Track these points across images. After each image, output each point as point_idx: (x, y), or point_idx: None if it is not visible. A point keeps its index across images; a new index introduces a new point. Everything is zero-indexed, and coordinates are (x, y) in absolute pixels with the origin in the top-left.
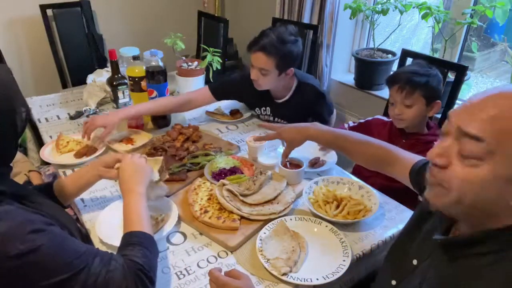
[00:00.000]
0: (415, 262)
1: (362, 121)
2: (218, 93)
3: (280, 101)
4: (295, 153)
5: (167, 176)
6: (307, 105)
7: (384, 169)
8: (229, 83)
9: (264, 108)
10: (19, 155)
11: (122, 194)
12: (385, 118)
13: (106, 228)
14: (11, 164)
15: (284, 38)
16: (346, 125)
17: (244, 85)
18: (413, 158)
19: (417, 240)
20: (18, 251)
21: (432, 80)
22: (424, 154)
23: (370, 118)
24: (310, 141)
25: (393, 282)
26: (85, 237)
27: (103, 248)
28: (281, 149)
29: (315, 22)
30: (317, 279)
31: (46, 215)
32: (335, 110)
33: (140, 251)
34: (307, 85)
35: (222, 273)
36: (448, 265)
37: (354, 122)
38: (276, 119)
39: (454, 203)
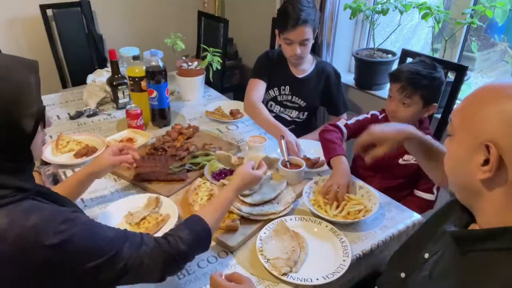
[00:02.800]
0: (426, 255)
1: (360, 118)
2: (261, 75)
3: (301, 76)
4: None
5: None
6: (326, 82)
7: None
8: (259, 63)
9: (283, 87)
10: None
11: (226, 187)
12: (378, 113)
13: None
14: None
15: (308, 3)
16: (341, 125)
17: (270, 61)
18: None
19: (434, 238)
20: (52, 241)
21: (434, 83)
22: None
23: (368, 116)
24: (311, 141)
25: (402, 275)
26: None
27: None
28: None
29: None
30: (317, 279)
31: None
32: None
33: (188, 239)
34: (327, 63)
35: (223, 277)
36: (459, 258)
37: (348, 120)
38: (294, 98)
39: (447, 176)
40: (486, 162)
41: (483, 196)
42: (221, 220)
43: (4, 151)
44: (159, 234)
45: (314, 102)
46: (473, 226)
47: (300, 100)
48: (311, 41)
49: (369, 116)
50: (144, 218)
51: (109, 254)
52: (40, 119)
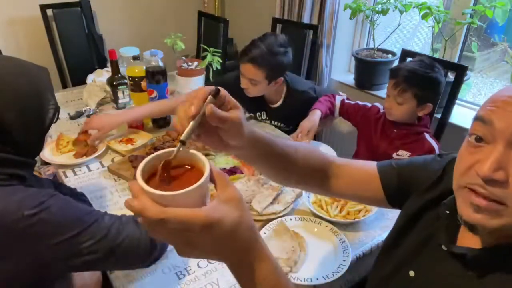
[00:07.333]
0: (411, 273)
1: (360, 103)
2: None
3: (274, 105)
4: None
5: None
6: (301, 109)
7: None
8: (223, 85)
9: (259, 113)
10: None
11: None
12: (381, 107)
13: None
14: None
15: (274, 50)
16: (338, 99)
17: (238, 89)
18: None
19: (405, 248)
20: (31, 212)
21: (428, 83)
22: (415, 145)
23: (368, 105)
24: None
25: None
26: None
27: None
28: None
29: (315, 22)
30: (317, 279)
31: None
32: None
33: None
34: (297, 92)
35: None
36: (478, 280)
37: (348, 99)
38: (273, 122)
39: None
40: None
41: None
42: None
43: (21, 141)
44: None
45: (295, 122)
46: (462, 239)
47: (279, 123)
48: (262, 84)
49: (369, 105)
50: None
51: (88, 223)
52: (57, 112)
